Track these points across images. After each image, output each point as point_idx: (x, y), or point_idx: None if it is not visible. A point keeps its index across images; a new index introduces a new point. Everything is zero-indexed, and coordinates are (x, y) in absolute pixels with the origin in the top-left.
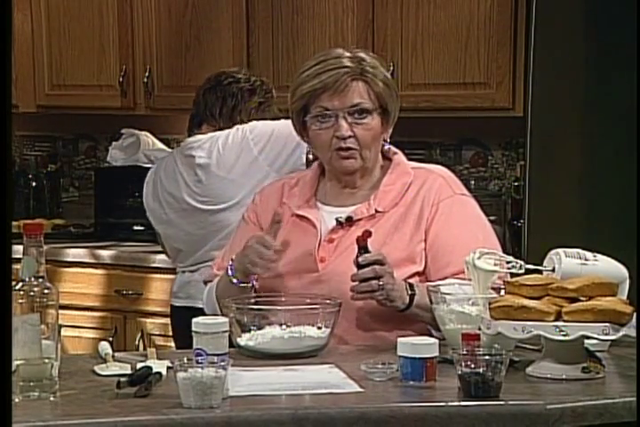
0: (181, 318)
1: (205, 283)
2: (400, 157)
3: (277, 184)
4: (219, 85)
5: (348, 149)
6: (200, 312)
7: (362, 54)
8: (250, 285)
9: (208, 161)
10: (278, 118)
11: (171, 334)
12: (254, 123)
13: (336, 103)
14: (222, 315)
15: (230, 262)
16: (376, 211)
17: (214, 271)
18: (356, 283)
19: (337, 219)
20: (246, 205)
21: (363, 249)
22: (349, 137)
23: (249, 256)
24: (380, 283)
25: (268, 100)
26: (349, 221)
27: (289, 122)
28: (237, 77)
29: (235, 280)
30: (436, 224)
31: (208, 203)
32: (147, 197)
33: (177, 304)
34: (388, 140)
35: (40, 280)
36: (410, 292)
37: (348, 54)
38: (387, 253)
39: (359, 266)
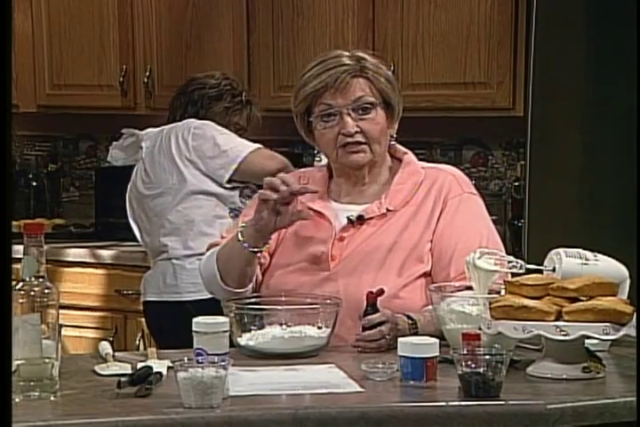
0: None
1: (208, 249)
2: (410, 156)
3: (294, 176)
4: (184, 92)
5: (357, 143)
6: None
7: (361, 54)
8: (259, 250)
9: (152, 149)
10: (250, 119)
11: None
12: (206, 122)
13: (339, 100)
14: (221, 278)
15: (241, 227)
16: (387, 210)
17: (220, 240)
18: (362, 342)
19: (348, 217)
20: (172, 192)
21: (371, 307)
22: (356, 133)
23: (265, 190)
24: (388, 337)
25: (237, 104)
26: (360, 219)
27: (235, 139)
28: (204, 84)
29: (245, 244)
30: (443, 221)
31: (150, 188)
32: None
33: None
34: (395, 136)
35: (40, 280)
36: (413, 330)
37: (346, 53)
38: (396, 253)
39: (364, 327)
